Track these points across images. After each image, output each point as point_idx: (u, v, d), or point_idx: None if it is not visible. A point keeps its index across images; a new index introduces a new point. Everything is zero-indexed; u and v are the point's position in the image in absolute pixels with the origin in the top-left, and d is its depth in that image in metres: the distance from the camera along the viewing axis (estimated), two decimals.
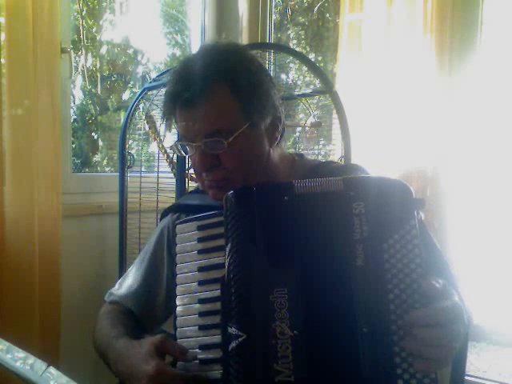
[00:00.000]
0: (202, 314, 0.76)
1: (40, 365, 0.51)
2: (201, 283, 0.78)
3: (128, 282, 0.99)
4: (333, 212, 0.69)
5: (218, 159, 0.81)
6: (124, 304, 0.97)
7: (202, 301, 0.77)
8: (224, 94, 0.79)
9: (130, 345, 0.79)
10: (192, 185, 1.53)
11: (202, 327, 0.76)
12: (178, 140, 0.87)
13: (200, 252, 0.79)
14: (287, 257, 0.69)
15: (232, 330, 0.69)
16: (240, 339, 0.68)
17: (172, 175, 1.68)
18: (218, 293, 0.75)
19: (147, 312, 0.96)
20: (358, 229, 0.67)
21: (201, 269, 0.78)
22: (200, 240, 0.79)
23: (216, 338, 0.74)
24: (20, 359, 0.53)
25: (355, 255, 0.67)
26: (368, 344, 0.65)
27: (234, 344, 0.69)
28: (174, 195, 1.60)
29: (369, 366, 0.65)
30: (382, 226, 0.67)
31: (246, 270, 0.70)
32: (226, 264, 0.72)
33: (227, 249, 0.72)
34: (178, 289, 0.80)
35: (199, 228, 0.80)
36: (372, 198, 0.68)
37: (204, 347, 0.75)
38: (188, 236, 0.81)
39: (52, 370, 0.51)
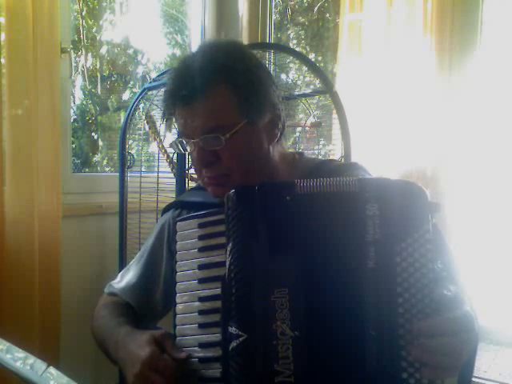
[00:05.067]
0: (201, 312, 0.76)
1: (40, 365, 0.51)
2: (201, 281, 0.77)
3: (127, 275, 1.01)
4: (344, 212, 0.68)
5: (216, 156, 0.81)
6: (122, 297, 0.99)
7: (201, 299, 0.77)
8: (222, 91, 0.79)
9: (131, 332, 0.81)
10: (192, 185, 1.54)
11: (201, 325, 0.76)
12: (178, 137, 0.88)
13: (200, 250, 0.79)
14: (288, 257, 0.69)
15: (232, 330, 0.69)
16: (241, 339, 0.68)
17: (172, 175, 1.68)
18: (217, 291, 0.74)
19: (144, 307, 0.98)
20: (370, 230, 0.67)
21: (201, 267, 0.78)
22: (201, 238, 0.79)
23: (215, 337, 0.74)
24: (20, 359, 0.53)
25: (367, 257, 0.66)
26: (375, 347, 0.65)
27: (234, 344, 0.69)
28: (173, 195, 1.60)
29: (374, 368, 0.65)
30: (395, 229, 0.66)
31: (247, 270, 0.70)
32: (227, 263, 0.72)
33: (228, 248, 0.72)
34: (178, 286, 0.79)
35: (200, 226, 0.79)
36: (386, 200, 0.67)
37: (203, 345, 0.75)
38: (188, 234, 0.80)
39: (52, 370, 0.51)
